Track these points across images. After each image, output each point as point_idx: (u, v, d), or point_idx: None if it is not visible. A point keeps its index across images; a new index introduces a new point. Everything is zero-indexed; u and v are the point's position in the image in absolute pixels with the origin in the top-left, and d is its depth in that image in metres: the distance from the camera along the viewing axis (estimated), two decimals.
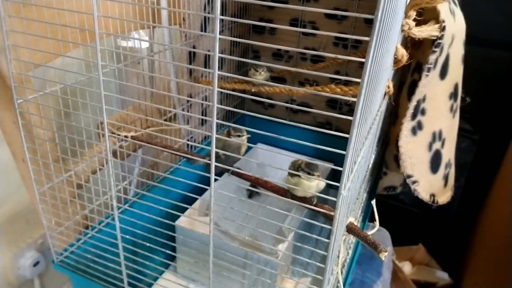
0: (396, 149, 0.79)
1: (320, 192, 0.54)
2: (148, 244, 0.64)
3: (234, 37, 1.03)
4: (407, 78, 0.81)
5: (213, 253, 0.56)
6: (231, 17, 1.00)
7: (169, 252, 0.64)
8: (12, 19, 0.54)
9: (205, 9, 0.88)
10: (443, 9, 0.69)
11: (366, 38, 0.36)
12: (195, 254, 0.67)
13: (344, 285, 0.70)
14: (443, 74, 0.77)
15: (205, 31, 0.90)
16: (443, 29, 0.69)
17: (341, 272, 0.60)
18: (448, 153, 0.89)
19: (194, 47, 0.89)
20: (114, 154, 0.73)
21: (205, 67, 0.95)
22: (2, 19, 0.53)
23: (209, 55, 0.94)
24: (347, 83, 0.74)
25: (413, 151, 0.79)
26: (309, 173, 0.56)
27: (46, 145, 0.66)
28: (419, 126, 0.79)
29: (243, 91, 0.87)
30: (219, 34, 0.41)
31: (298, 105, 0.76)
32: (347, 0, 0.98)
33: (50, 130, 0.67)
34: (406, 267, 1.51)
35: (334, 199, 0.44)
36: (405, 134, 0.77)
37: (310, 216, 0.57)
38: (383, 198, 1.11)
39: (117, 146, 0.73)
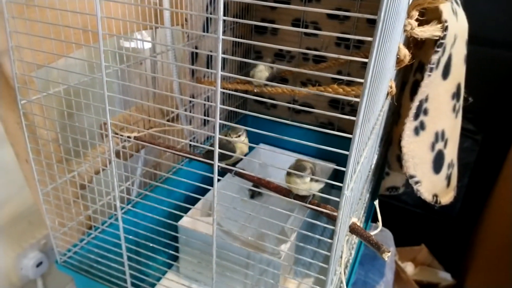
0: (398, 149, 0.79)
1: (322, 192, 0.54)
2: (151, 244, 0.64)
3: (236, 37, 1.03)
4: (409, 78, 0.81)
5: (216, 253, 0.56)
6: (233, 17, 1.00)
7: (172, 252, 0.64)
8: (15, 20, 0.55)
9: (207, 9, 0.88)
10: (446, 9, 0.69)
11: (369, 39, 0.36)
12: (198, 254, 0.68)
13: (347, 285, 0.70)
14: (445, 74, 0.77)
15: (207, 32, 0.90)
16: (445, 29, 0.68)
17: (344, 273, 0.60)
18: (451, 153, 0.89)
19: (196, 48, 0.89)
20: (117, 154, 0.73)
21: (208, 68, 0.95)
22: (6, 20, 0.53)
23: (211, 56, 0.94)
24: (349, 83, 0.74)
25: (415, 151, 0.79)
26: (297, 170, 0.57)
27: (50, 146, 0.66)
28: (422, 126, 0.78)
29: (245, 92, 0.87)
30: (221, 35, 0.41)
31: (300, 105, 0.76)
32: (349, 0, 0.98)
33: (54, 130, 0.67)
34: (409, 268, 1.50)
35: (337, 199, 0.44)
36: (407, 134, 0.77)
37: (312, 216, 0.57)
38: (385, 199, 1.11)
39: (120, 146, 0.73)
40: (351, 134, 0.39)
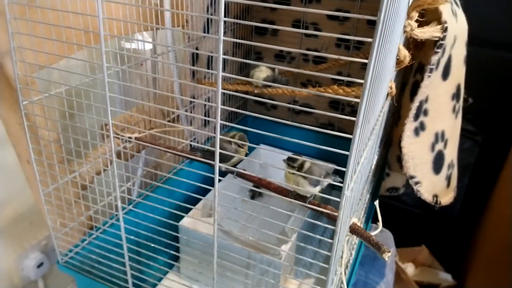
0: (398, 150, 0.79)
1: (322, 192, 0.54)
2: (152, 245, 0.64)
3: (236, 38, 1.04)
4: (409, 79, 0.81)
5: (216, 254, 0.56)
6: (234, 18, 1.00)
7: (173, 252, 0.64)
8: (17, 21, 0.55)
9: (207, 10, 0.88)
10: (445, 10, 0.69)
11: (369, 39, 0.36)
12: (198, 255, 0.68)
13: (347, 285, 0.70)
14: (445, 75, 0.77)
15: (207, 33, 0.90)
16: (445, 30, 0.69)
17: (345, 273, 0.60)
18: (451, 154, 0.89)
19: (197, 49, 0.89)
20: (118, 155, 0.73)
21: (208, 69, 0.95)
22: (8, 21, 0.54)
23: (212, 57, 0.94)
24: (349, 84, 0.74)
25: (415, 151, 0.79)
26: (289, 165, 0.57)
27: (51, 146, 0.66)
28: (422, 127, 0.79)
29: (246, 92, 0.88)
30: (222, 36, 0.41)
31: (300, 106, 0.76)
32: (349, 1, 0.98)
33: (55, 131, 0.68)
34: (409, 268, 1.50)
35: (337, 199, 0.44)
36: (407, 134, 0.77)
37: (313, 217, 0.57)
38: (386, 199, 1.11)
39: (121, 147, 0.73)
40: (351, 134, 0.40)
